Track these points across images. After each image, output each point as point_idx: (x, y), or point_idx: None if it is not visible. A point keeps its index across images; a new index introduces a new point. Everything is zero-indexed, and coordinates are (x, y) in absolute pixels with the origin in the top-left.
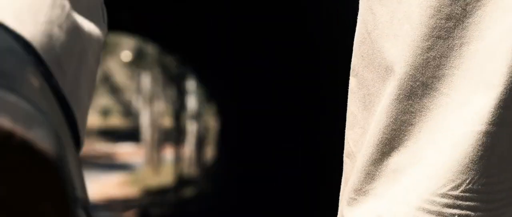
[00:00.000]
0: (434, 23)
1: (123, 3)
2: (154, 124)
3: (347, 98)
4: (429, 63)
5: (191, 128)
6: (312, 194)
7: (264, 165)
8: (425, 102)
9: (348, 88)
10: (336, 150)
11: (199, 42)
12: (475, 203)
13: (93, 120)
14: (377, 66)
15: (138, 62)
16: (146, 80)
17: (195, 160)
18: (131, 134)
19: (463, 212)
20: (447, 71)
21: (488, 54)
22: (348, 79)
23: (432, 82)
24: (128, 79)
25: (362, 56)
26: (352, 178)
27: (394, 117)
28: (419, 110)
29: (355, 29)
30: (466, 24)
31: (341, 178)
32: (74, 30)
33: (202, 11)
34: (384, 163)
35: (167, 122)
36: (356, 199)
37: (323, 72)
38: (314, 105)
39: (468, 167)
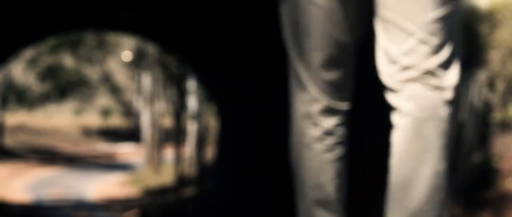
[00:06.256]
0: None
1: (123, 3)
2: (154, 124)
3: None
4: None
5: (191, 128)
6: None
7: (264, 165)
8: None
9: None
10: None
11: (199, 42)
12: None
13: (94, 120)
14: None
15: (138, 62)
16: (146, 80)
17: (195, 160)
18: (132, 134)
19: None
20: None
21: None
22: None
23: None
24: (128, 79)
25: None
26: None
27: None
28: None
29: None
30: None
31: None
32: None
33: (202, 12)
34: None
35: (167, 122)
36: None
37: None
38: None
39: None
